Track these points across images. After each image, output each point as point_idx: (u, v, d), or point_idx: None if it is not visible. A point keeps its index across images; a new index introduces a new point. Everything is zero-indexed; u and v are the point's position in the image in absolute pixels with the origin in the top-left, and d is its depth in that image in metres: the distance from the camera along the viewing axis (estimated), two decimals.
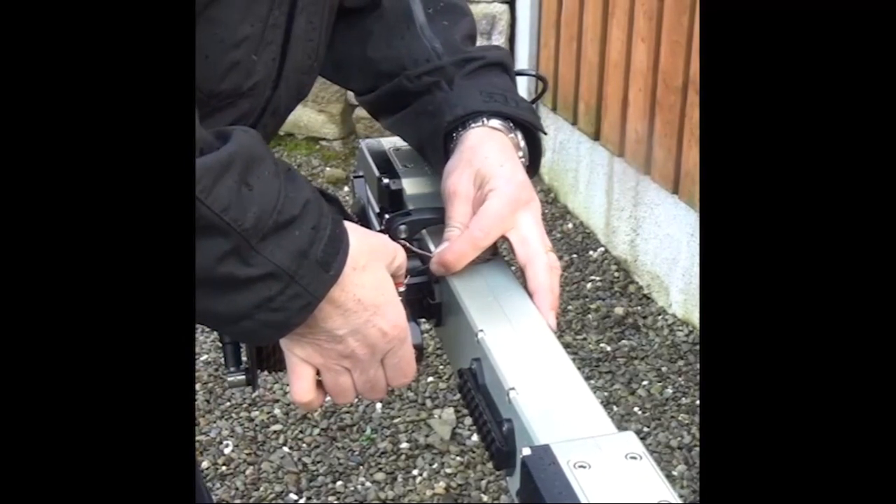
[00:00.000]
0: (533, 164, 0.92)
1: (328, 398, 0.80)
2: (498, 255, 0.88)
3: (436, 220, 0.88)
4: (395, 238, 0.85)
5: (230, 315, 0.69)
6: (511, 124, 0.90)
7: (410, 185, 0.95)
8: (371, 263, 0.75)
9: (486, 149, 0.86)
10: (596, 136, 3.01)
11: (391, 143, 1.02)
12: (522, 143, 0.90)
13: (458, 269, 0.83)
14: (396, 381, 0.80)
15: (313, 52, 0.85)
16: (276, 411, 2.38)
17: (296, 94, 0.86)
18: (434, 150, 0.93)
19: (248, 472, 2.21)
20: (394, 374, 0.79)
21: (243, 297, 0.68)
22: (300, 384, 0.78)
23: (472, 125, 0.88)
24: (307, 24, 0.82)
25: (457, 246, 0.83)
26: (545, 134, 0.93)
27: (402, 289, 0.79)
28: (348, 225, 0.74)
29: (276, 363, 0.83)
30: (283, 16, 0.78)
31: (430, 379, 2.47)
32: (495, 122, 0.89)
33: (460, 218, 0.84)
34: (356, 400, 2.39)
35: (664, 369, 2.49)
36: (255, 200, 0.67)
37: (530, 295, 0.83)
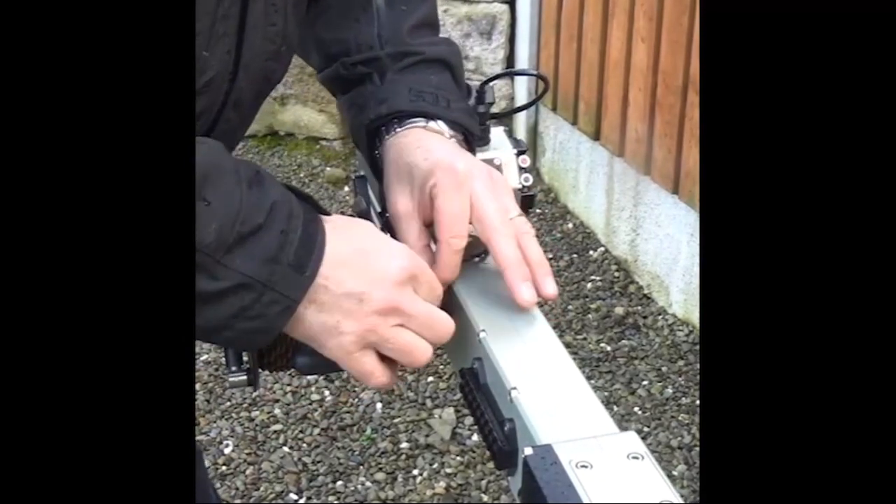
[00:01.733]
0: None
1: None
2: None
3: None
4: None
5: (210, 328, 0.69)
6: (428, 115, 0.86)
7: None
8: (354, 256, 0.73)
9: (407, 155, 0.83)
10: (596, 136, 3.01)
11: None
12: (446, 129, 0.86)
13: (454, 279, 0.81)
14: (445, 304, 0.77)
15: (277, 36, 0.81)
16: (277, 411, 2.38)
17: (262, 82, 0.83)
18: (361, 145, 0.91)
19: (248, 472, 2.21)
20: (434, 300, 0.76)
21: (218, 310, 0.67)
22: (370, 371, 0.74)
23: (387, 136, 0.86)
24: (267, 8, 0.78)
25: (442, 261, 0.80)
26: (479, 136, 0.90)
27: None
28: (332, 220, 0.73)
29: (276, 361, 0.83)
30: (234, 5, 0.75)
31: (430, 379, 2.47)
32: (415, 121, 0.85)
33: (413, 238, 0.82)
34: (356, 400, 2.40)
35: (664, 369, 2.49)
36: (214, 215, 0.66)
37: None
